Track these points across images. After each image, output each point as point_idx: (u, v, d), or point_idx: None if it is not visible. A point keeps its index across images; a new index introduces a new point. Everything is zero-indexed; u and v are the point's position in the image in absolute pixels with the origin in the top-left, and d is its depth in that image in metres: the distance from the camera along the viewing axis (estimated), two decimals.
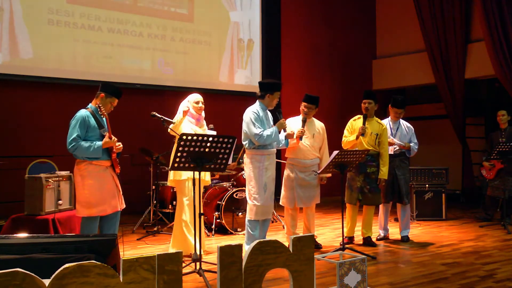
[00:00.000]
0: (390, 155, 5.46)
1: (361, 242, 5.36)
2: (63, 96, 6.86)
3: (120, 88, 4.27)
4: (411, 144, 5.55)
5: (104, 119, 4.12)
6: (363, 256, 3.46)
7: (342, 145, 5.36)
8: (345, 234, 5.18)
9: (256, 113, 4.57)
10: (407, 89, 10.31)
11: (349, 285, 3.11)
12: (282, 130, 4.73)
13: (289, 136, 4.79)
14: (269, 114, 4.80)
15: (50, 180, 4.75)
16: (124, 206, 4.29)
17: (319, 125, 5.20)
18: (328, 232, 6.11)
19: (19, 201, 5.18)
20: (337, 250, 4.58)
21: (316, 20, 9.74)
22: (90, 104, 4.14)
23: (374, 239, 5.40)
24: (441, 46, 8.93)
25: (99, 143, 3.98)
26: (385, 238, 5.68)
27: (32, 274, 1.90)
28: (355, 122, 5.36)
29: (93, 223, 4.04)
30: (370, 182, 5.20)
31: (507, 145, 6.03)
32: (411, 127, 5.74)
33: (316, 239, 5.25)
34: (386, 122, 5.66)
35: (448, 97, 8.93)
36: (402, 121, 5.73)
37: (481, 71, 8.60)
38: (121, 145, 4.20)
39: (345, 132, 5.41)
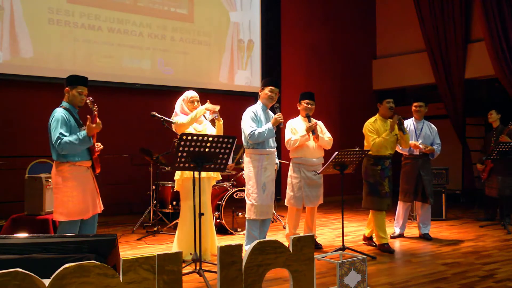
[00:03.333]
0: (414, 155, 5.53)
1: (361, 242, 5.36)
2: (63, 95, 6.84)
3: (79, 75, 4.07)
4: (434, 147, 5.57)
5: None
6: (363, 256, 3.46)
7: (374, 147, 5.00)
8: (366, 235, 5.31)
9: (254, 112, 4.58)
10: (407, 89, 10.31)
11: (349, 285, 3.11)
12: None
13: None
14: (270, 113, 4.79)
15: (50, 180, 4.75)
16: (102, 208, 4.11)
17: (319, 123, 5.20)
18: (328, 232, 6.11)
19: (19, 201, 5.19)
20: (337, 250, 4.58)
21: (316, 20, 9.74)
22: (63, 102, 4.03)
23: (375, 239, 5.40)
24: (441, 46, 8.93)
25: (82, 132, 3.80)
26: (401, 236, 5.71)
27: (32, 274, 1.90)
28: (375, 124, 5.14)
29: (73, 227, 3.84)
30: (391, 186, 5.14)
31: (508, 145, 6.01)
32: (435, 128, 5.75)
33: (316, 239, 5.25)
34: (410, 122, 5.67)
35: (448, 97, 8.94)
36: (426, 121, 5.74)
37: (481, 71, 8.60)
38: (102, 146, 4.09)
39: (371, 134, 5.06)
